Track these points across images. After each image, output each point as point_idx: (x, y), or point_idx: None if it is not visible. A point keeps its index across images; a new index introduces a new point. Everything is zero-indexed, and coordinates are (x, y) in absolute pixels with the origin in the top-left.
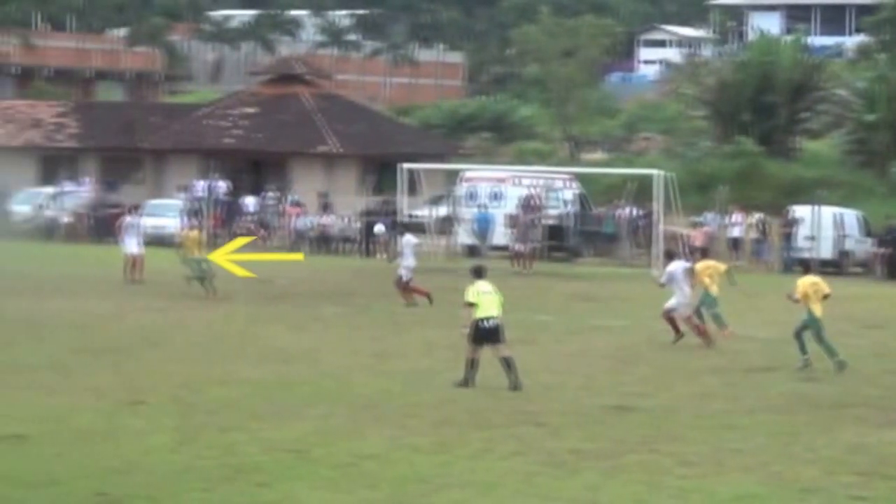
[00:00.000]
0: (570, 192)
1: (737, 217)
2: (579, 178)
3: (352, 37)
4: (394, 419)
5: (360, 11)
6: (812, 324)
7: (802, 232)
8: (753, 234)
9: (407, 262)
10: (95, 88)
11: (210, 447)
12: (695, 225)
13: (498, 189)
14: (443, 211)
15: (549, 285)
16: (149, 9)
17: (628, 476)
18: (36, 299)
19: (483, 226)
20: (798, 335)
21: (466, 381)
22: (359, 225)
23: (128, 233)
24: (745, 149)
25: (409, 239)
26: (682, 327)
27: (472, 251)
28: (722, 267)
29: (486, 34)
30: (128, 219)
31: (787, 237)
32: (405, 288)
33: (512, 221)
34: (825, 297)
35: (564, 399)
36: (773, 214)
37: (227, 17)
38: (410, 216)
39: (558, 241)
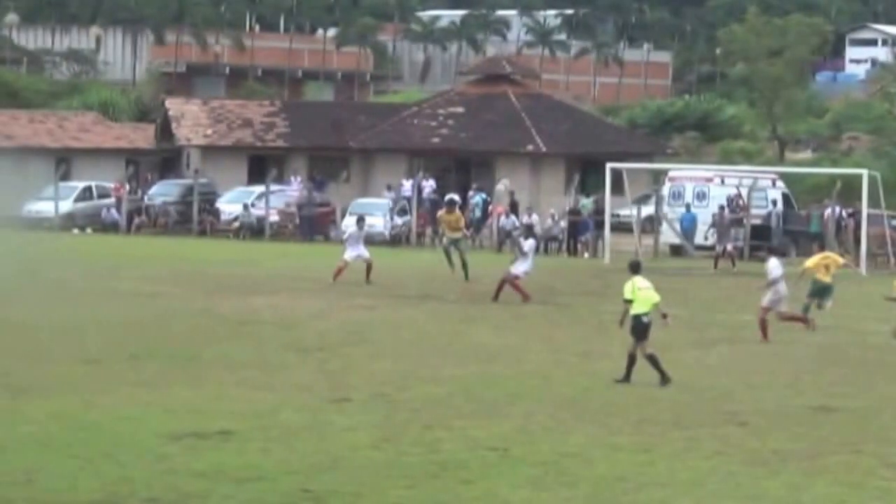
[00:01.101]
0: (775, 192)
1: None
2: (784, 177)
3: (559, 36)
4: (595, 418)
5: (568, 11)
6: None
7: None
8: None
9: (526, 267)
10: (304, 88)
11: (413, 444)
12: None
13: (703, 188)
14: (648, 210)
15: (754, 285)
16: (358, 9)
17: (831, 477)
18: (244, 297)
19: (688, 225)
20: None
21: (628, 377)
22: (563, 224)
23: (350, 244)
24: None
25: (532, 243)
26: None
27: (676, 251)
28: (840, 260)
29: (693, 33)
30: (353, 229)
31: None
32: (513, 284)
33: (711, 220)
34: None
35: (767, 399)
36: None
37: (436, 18)
38: (616, 216)
39: (763, 241)
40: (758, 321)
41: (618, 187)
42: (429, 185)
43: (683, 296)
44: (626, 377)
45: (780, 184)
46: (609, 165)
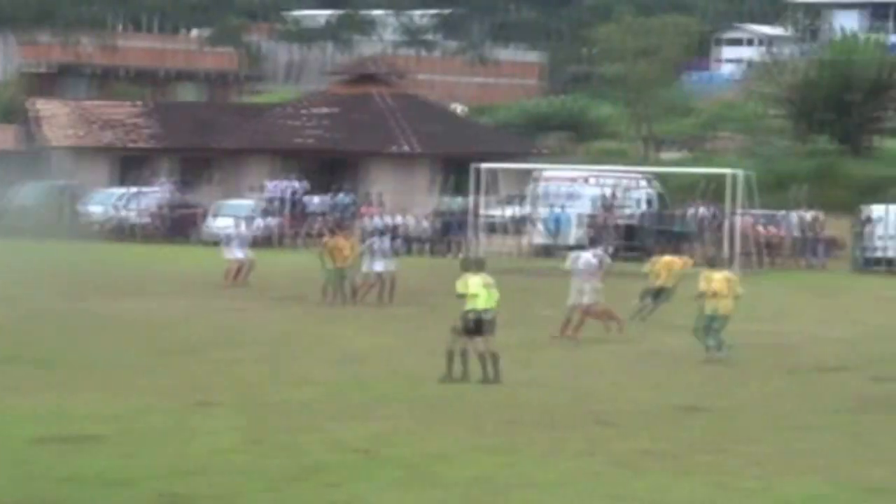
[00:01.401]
0: (646, 192)
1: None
2: (657, 177)
3: (430, 36)
4: (463, 419)
5: (439, 11)
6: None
7: (878, 231)
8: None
9: (382, 266)
10: (174, 89)
11: (279, 447)
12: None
13: (573, 189)
14: (518, 211)
15: (623, 285)
16: (227, 9)
17: (698, 477)
18: (110, 299)
19: (558, 225)
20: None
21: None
22: (426, 224)
23: (230, 242)
24: (823, 148)
25: (383, 242)
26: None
27: (546, 251)
28: (679, 263)
29: (564, 33)
30: (232, 230)
31: (861, 236)
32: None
33: (587, 221)
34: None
35: (635, 399)
36: (848, 213)
37: (306, 17)
38: (486, 216)
39: (633, 241)
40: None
41: (490, 187)
42: (297, 186)
43: (552, 296)
44: (448, 376)
45: (653, 183)
46: (479, 166)
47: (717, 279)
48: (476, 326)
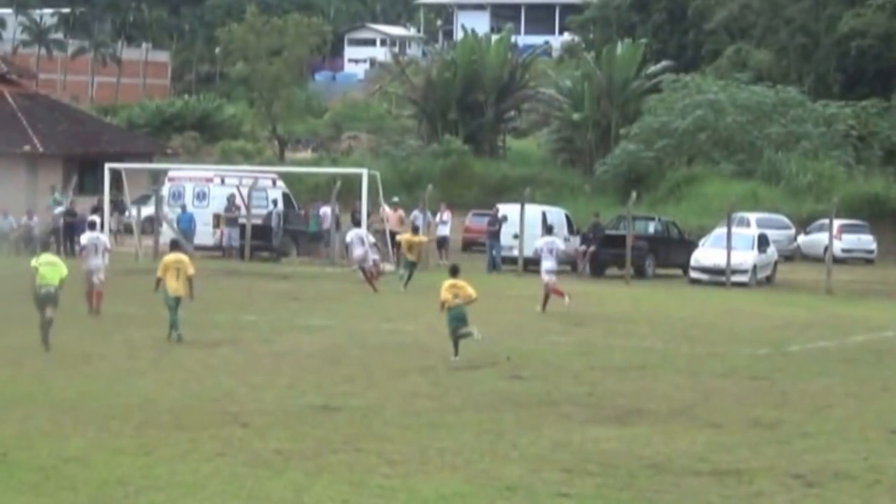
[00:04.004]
0: (275, 192)
1: (445, 216)
2: (285, 177)
3: (56, 35)
4: (96, 421)
5: (65, 10)
6: None
7: (508, 230)
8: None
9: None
10: None
11: None
12: (393, 205)
13: (203, 188)
14: (147, 211)
15: (256, 285)
16: None
17: (333, 476)
18: None
19: (187, 225)
20: None
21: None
22: (60, 225)
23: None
24: (452, 147)
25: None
26: None
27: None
28: None
29: (192, 33)
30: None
31: (494, 236)
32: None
33: (216, 221)
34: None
35: (270, 399)
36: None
37: None
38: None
39: (264, 241)
40: None
41: (118, 187)
42: None
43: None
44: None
45: (280, 183)
46: (108, 166)
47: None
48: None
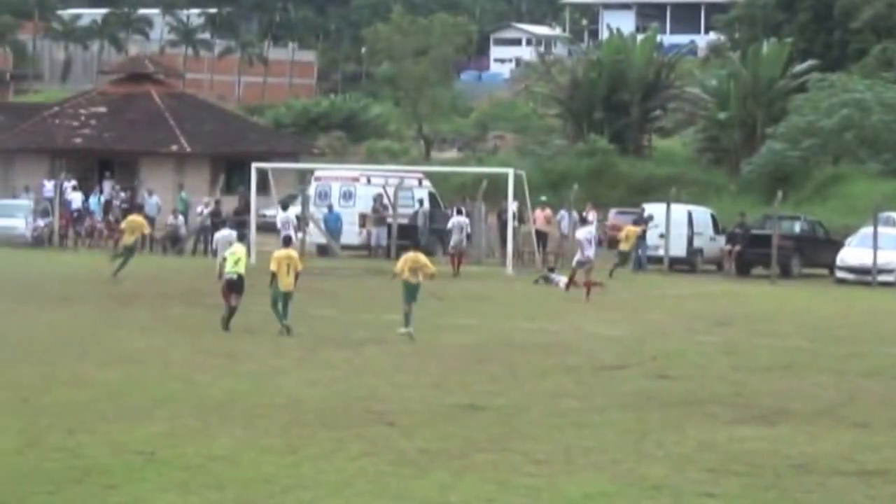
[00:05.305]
0: (421, 191)
1: (590, 215)
2: (431, 177)
3: (203, 35)
4: (243, 420)
5: (212, 10)
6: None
7: (655, 230)
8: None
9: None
10: None
11: (56, 449)
12: (541, 205)
13: (349, 188)
14: (294, 210)
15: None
16: None
17: (479, 475)
18: None
19: (334, 225)
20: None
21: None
22: (208, 224)
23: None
24: (598, 147)
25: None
26: None
27: (323, 250)
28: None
29: (338, 33)
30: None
31: (641, 235)
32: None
33: (362, 220)
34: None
35: (415, 398)
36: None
37: (77, 16)
38: (262, 216)
39: (410, 240)
40: None
41: (264, 187)
42: (71, 185)
43: (331, 296)
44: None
45: (426, 183)
46: (254, 165)
47: None
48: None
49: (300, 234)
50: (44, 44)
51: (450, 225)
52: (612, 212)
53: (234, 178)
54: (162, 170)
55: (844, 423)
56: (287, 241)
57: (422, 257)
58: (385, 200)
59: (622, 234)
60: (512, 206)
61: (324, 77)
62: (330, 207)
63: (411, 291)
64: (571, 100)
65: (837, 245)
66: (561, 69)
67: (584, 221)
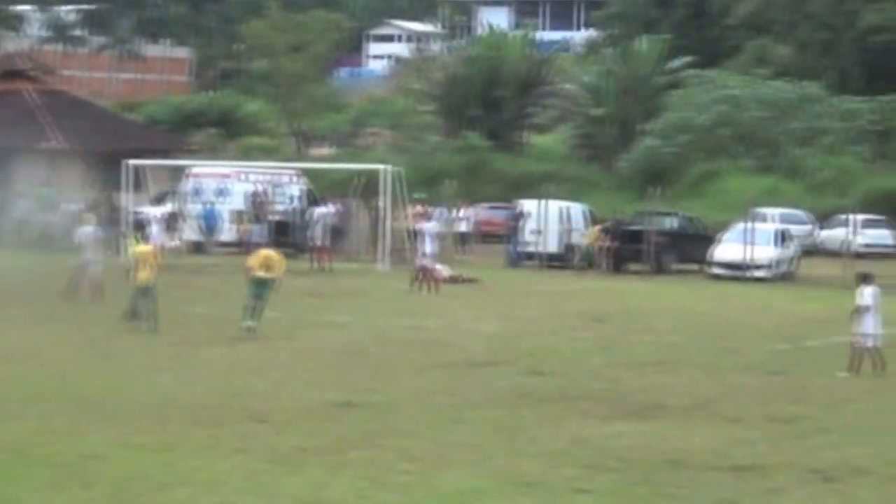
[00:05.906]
0: (296, 188)
1: (465, 212)
2: (307, 173)
3: (77, 32)
4: (116, 418)
5: (86, 6)
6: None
7: (529, 226)
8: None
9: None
10: None
11: None
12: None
13: (224, 185)
14: (168, 207)
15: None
16: None
17: (353, 472)
18: None
19: (209, 222)
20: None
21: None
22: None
23: None
24: (473, 143)
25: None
26: None
27: (197, 247)
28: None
29: (213, 29)
30: None
31: (515, 231)
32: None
33: (238, 217)
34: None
35: (290, 396)
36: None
37: None
38: (135, 213)
39: (285, 237)
40: None
41: (139, 184)
42: None
43: (206, 293)
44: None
45: (302, 180)
46: (128, 162)
47: None
48: None
49: (168, 231)
50: None
51: (308, 216)
52: (483, 206)
53: (110, 175)
54: (36, 167)
55: (718, 419)
56: (146, 238)
57: (274, 255)
58: (262, 198)
59: (585, 237)
60: (382, 203)
61: (199, 74)
62: (206, 204)
63: (260, 286)
64: (447, 96)
65: (712, 241)
66: (436, 66)
67: (458, 219)
